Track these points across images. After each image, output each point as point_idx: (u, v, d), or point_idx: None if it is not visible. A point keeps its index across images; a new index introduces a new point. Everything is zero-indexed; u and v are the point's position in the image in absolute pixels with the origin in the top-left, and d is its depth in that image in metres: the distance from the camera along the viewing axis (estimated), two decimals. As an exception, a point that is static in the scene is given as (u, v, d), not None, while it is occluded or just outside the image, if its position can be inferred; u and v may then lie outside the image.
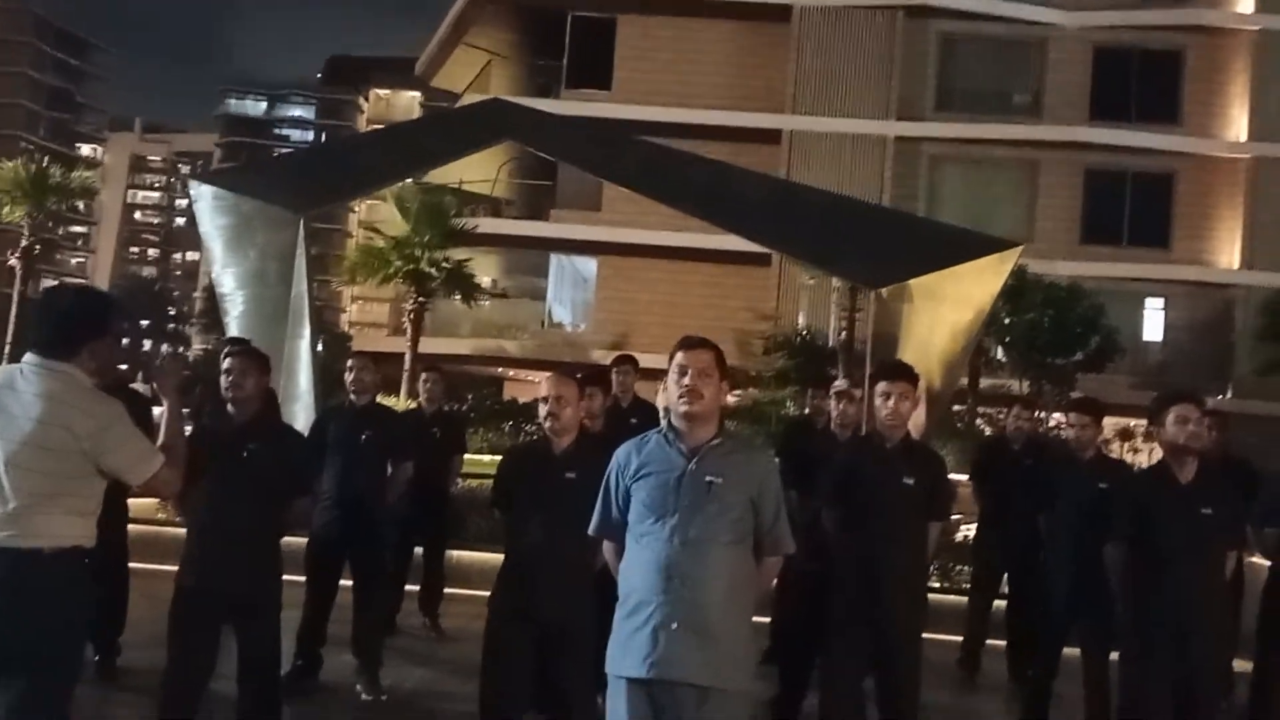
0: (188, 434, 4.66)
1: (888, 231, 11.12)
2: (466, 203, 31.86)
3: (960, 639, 7.56)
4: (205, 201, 11.78)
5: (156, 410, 8.95)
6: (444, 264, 21.48)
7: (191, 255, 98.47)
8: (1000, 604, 7.45)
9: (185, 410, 3.59)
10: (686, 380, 3.34)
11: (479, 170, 30.91)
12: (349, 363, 6.16)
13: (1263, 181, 27.45)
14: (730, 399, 26.42)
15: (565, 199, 31.17)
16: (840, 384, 5.83)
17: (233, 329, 11.86)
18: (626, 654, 3.30)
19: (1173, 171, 28.16)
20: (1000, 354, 25.63)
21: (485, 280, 37.03)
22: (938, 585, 9.49)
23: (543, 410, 4.55)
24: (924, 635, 8.28)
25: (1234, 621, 6.63)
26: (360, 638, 5.95)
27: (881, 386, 4.59)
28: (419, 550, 7.63)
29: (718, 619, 3.25)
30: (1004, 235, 12.62)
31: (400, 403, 16.92)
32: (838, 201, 11.75)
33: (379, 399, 7.00)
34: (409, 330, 21.43)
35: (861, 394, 6.29)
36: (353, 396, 6.13)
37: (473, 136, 12.71)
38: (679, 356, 3.40)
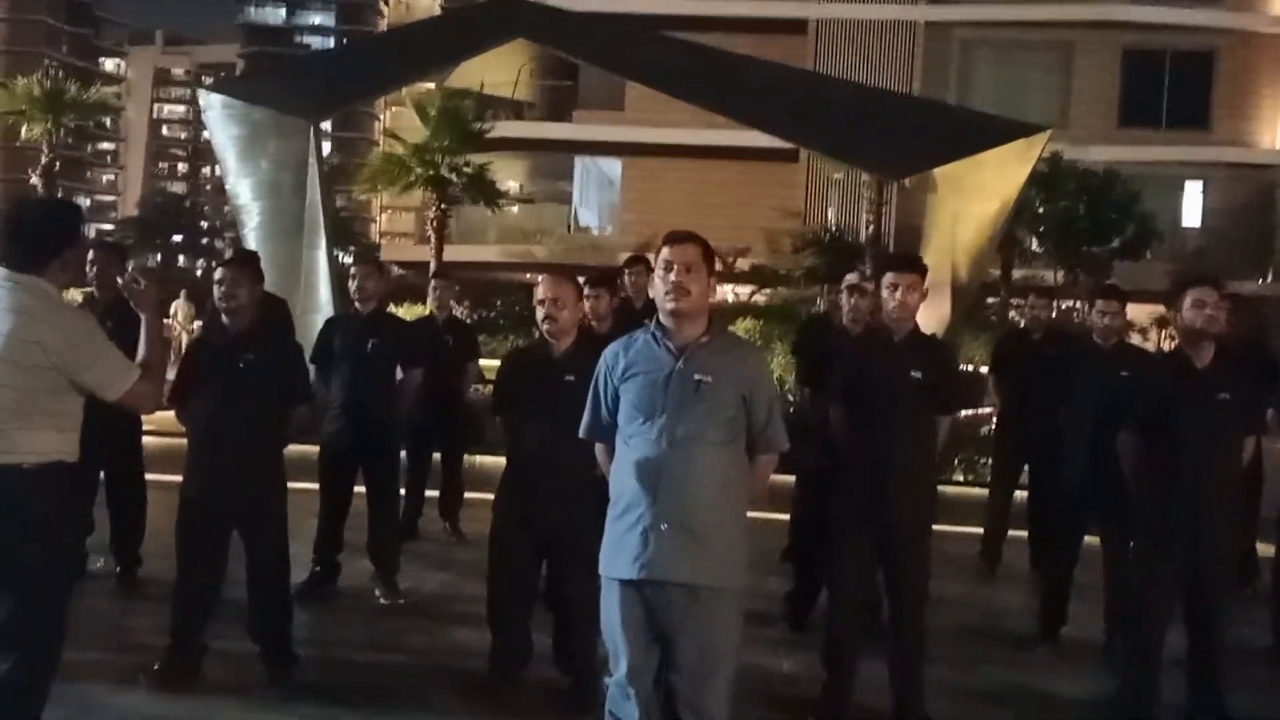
0: (186, 347, 4.65)
1: (910, 120, 10.82)
2: (488, 106, 31.45)
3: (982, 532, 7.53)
4: (215, 111, 11.68)
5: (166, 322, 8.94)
6: (465, 169, 21.20)
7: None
8: (1022, 495, 7.38)
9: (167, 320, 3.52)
10: (672, 276, 3.24)
11: (500, 73, 30.39)
12: (352, 270, 6.08)
13: (1308, 57, 26.49)
14: (760, 298, 26.36)
15: (588, 99, 30.67)
16: (851, 277, 5.68)
17: (250, 241, 11.83)
18: (618, 555, 3.26)
19: (1213, 49, 27.18)
20: (1035, 244, 25.18)
21: (511, 185, 36.78)
22: (961, 479, 9.49)
23: (540, 313, 4.48)
24: (946, 529, 8.42)
25: (1255, 507, 6.54)
26: (375, 544, 5.99)
27: (888, 278, 4.45)
28: (437, 457, 7.64)
29: (708, 519, 3.20)
30: (1038, 121, 12.21)
31: (427, 311, 16.89)
32: (860, 91, 11.46)
33: (401, 309, 6.98)
34: (432, 238, 21.30)
35: (874, 287, 6.14)
36: (358, 304, 6.07)
37: (486, 35, 12.44)
38: (664, 251, 3.28)
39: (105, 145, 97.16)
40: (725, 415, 3.24)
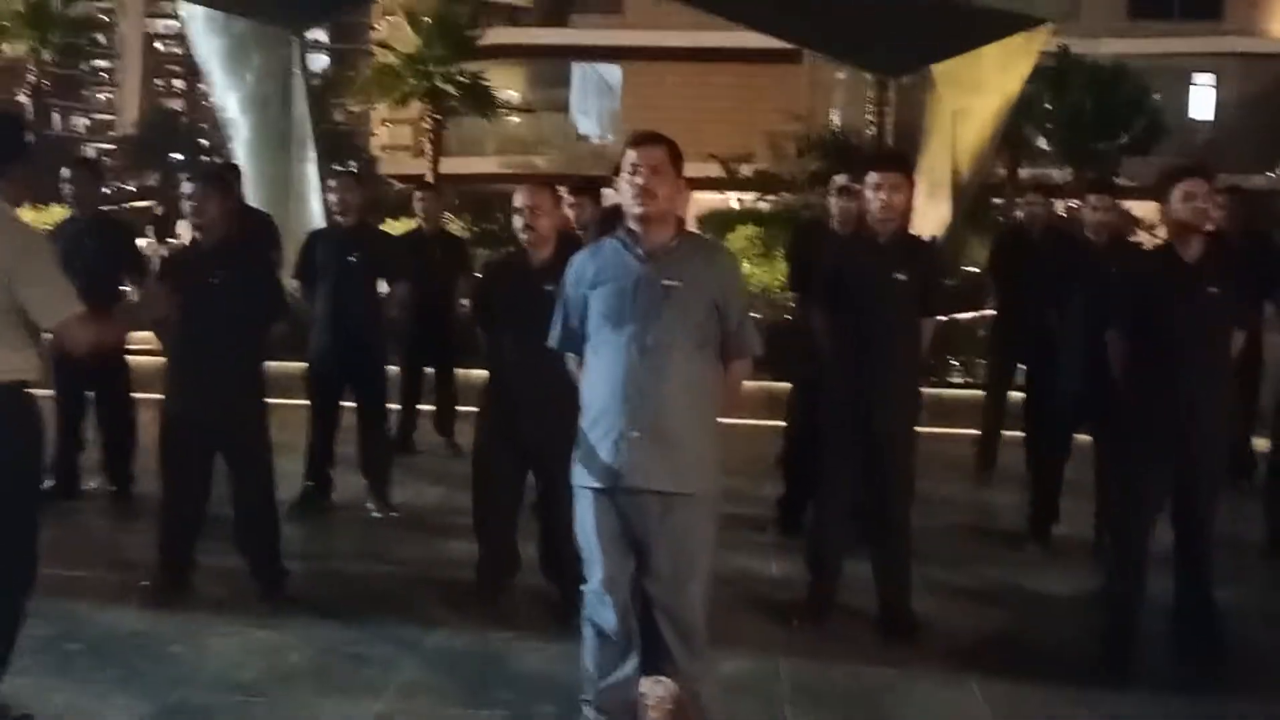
0: (160, 264, 4.58)
1: (907, 15, 10.50)
2: (483, 13, 30.81)
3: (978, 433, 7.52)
4: (197, 23, 11.43)
5: (141, 241, 8.90)
6: (460, 79, 20.83)
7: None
8: (1018, 397, 7.34)
9: None
10: (638, 179, 3.14)
11: (496, -23, 29.79)
12: (329, 182, 5.97)
13: (1324, -60, 25.69)
14: (763, 204, 26.06)
15: (585, 3, 30.02)
16: (840, 179, 5.55)
17: (239, 156, 11.67)
18: (590, 464, 3.23)
19: (1227, -65, 26.43)
20: (1043, 142, 24.76)
21: (513, 95, 36.19)
22: (960, 381, 9.44)
23: (518, 222, 4.41)
24: (944, 431, 8.42)
25: (1253, 401, 6.50)
26: (366, 457, 6.00)
27: (871, 178, 4.34)
28: (431, 371, 7.62)
29: (679, 425, 3.16)
30: (1048, 14, 11.82)
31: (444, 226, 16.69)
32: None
33: (399, 222, 6.89)
34: (428, 150, 21.02)
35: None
36: (338, 217, 5.98)
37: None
38: (629, 154, 3.19)
39: (99, 63, 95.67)
40: (695, 320, 3.17)
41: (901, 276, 4.33)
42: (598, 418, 3.22)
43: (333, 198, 5.92)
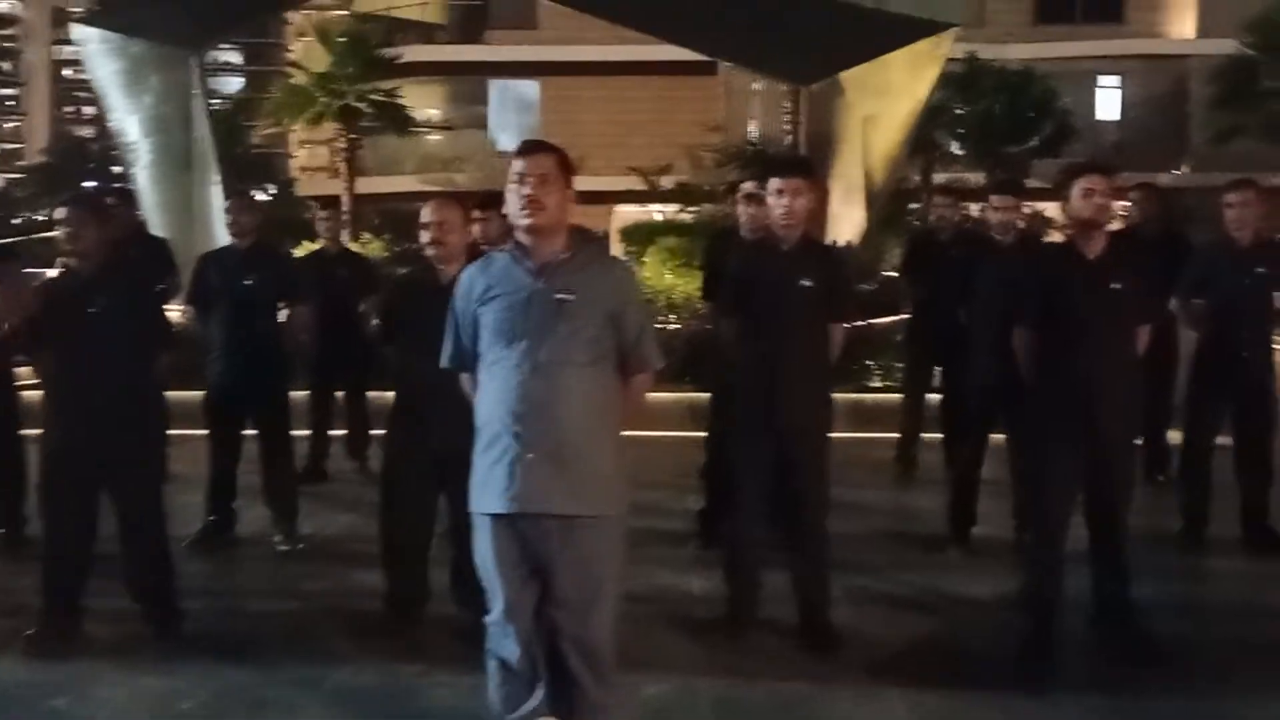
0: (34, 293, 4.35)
1: (815, 24, 10.56)
2: (396, 31, 30.44)
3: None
4: (93, 46, 11.10)
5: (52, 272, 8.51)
6: (373, 98, 20.50)
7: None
8: (936, 398, 7.34)
9: None
10: (525, 189, 3.02)
11: (407, -6, 29.47)
12: (225, 204, 5.76)
13: (1217, -57, 26.46)
14: (685, 216, 26.08)
15: (500, 19, 29.84)
16: (747, 185, 5.49)
17: (141, 180, 11.35)
18: (486, 490, 3.10)
19: (1124, -60, 27.16)
20: (955, 146, 25.16)
21: (432, 113, 35.81)
22: (879, 385, 9.46)
23: (424, 237, 4.29)
24: (867, 435, 8.41)
25: (1167, 394, 6.56)
26: (271, 488, 5.77)
27: (772, 184, 4.27)
28: (341, 394, 7.41)
29: (577, 445, 3.03)
30: (956, 21, 11.97)
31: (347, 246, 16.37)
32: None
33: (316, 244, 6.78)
34: (343, 170, 20.67)
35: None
36: (234, 239, 5.75)
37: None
38: (515, 163, 3.06)
39: (5, 91, 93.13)
40: (590, 334, 3.05)
41: (807, 283, 4.26)
42: (492, 440, 3.08)
43: (227, 219, 5.70)
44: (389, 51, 21.10)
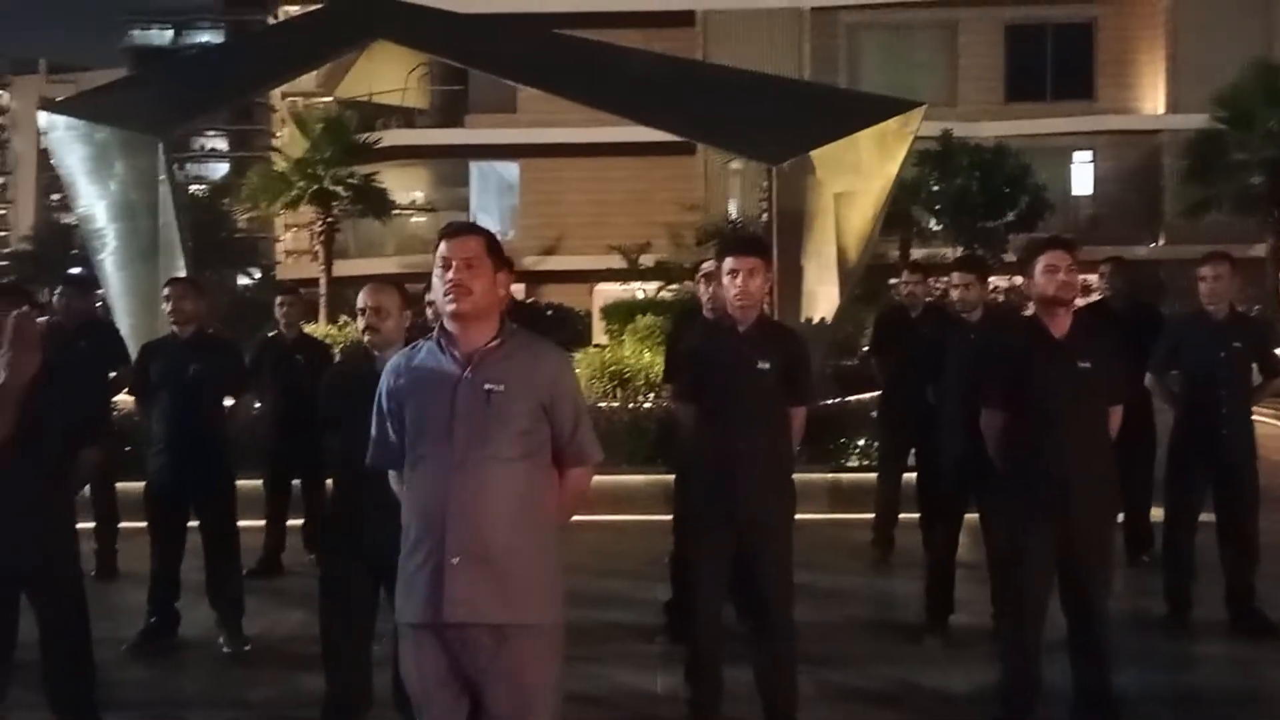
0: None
1: (784, 104, 10.57)
2: (378, 115, 30.69)
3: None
4: (59, 133, 10.99)
5: None
6: (350, 181, 20.55)
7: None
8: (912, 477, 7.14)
9: None
10: (450, 274, 2.85)
11: (390, 80, 29.74)
12: (165, 291, 5.58)
13: (1183, 21, 26.96)
14: (666, 294, 26.07)
15: (479, 103, 30.12)
16: (706, 265, 5.36)
17: (107, 267, 11.17)
18: (409, 597, 2.87)
19: (1092, 19, 27.65)
20: (932, 222, 25.33)
21: (415, 195, 36.01)
22: (856, 464, 9.23)
23: (361, 323, 4.12)
24: (845, 517, 8.18)
25: (1146, 473, 6.37)
26: (215, 587, 5.51)
27: (727, 264, 4.12)
28: (298, 483, 7.17)
29: (507, 547, 2.81)
30: (926, 100, 12.01)
31: (320, 329, 16.24)
32: (737, 77, 11.15)
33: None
34: (320, 253, 20.61)
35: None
36: (174, 328, 5.56)
37: (342, 36, 11.91)
38: (440, 246, 2.90)
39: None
40: (520, 427, 2.85)
41: (764, 365, 4.09)
42: (416, 543, 2.87)
43: (167, 306, 5.52)
44: (368, 136, 21.15)
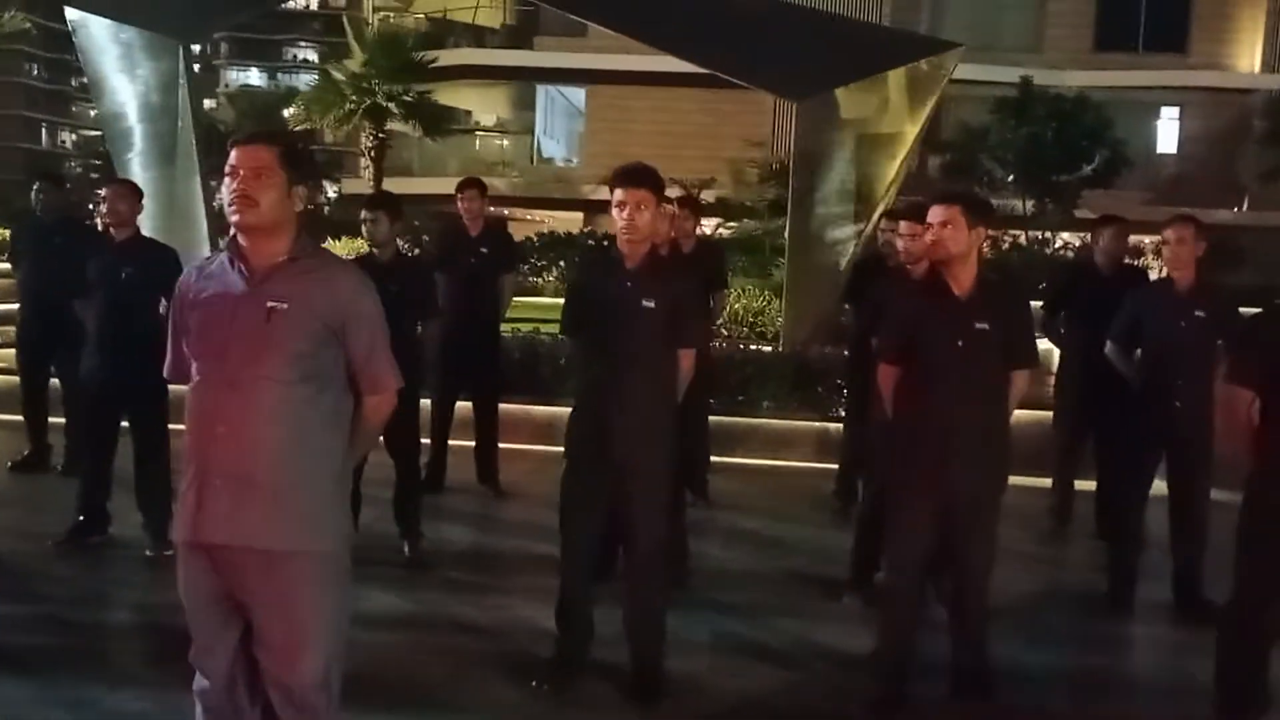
0: None
1: (814, 37, 10.16)
2: (449, 33, 30.53)
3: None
4: (85, 30, 11.03)
5: None
6: (404, 98, 20.46)
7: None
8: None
9: None
10: (235, 183, 2.73)
11: (460, -2, 29.56)
12: (102, 191, 5.56)
13: (1289, -24, 25.51)
14: (724, 231, 25.71)
15: (550, 26, 29.76)
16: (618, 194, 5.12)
17: (133, 168, 11.28)
18: (179, 515, 2.81)
19: (1191, -31, 26.29)
20: (1007, 174, 24.47)
21: (482, 117, 35.88)
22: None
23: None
24: (820, 466, 7.99)
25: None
26: (142, 490, 5.55)
27: (616, 195, 3.92)
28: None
29: (275, 471, 2.71)
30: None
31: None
32: (765, 7, 10.69)
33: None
34: (370, 169, 20.66)
35: (673, 208, 5.63)
36: (111, 229, 5.54)
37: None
38: (230, 155, 2.77)
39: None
40: (299, 349, 2.73)
41: (649, 304, 3.92)
42: (188, 461, 2.79)
43: (103, 208, 5.49)
44: (424, 54, 21.00)
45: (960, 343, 3.77)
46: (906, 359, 3.92)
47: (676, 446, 4.10)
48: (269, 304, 2.74)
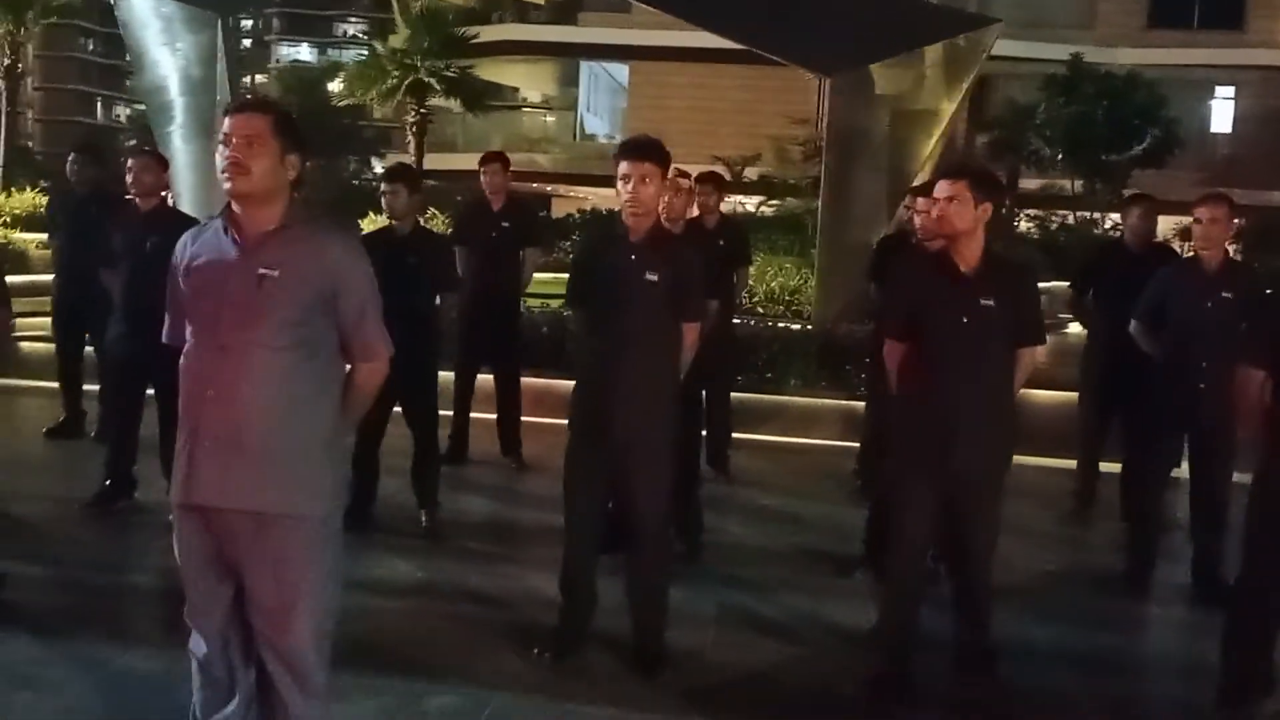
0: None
1: (849, 11, 10.05)
2: (495, 8, 30.57)
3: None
4: (127, 4, 11.21)
5: None
6: (446, 73, 20.53)
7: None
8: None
9: None
10: (229, 150, 2.77)
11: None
12: (128, 162, 5.64)
13: (1353, -51, 24.81)
14: (767, 209, 25.51)
15: (594, 2, 29.73)
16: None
17: (174, 140, 11.46)
18: (174, 478, 2.87)
19: (1250, -56, 25.66)
20: (1056, 152, 24.10)
21: (527, 93, 35.91)
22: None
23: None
24: (846, 445, 7.95)
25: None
26: (166, 454, 5.63)
27: (621, 168, 3.92)
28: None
29: (265, 435, 2.76)
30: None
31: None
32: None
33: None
34: (411, 143, 20.77)
35: (689, 183, 5.60)
36: (137, 200, 5.64)
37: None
38: (224, 122, 2.81)
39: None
40: (291, 316, 2.77)
41: (652, 278, 3.92)
42: (181, 423, 2.85)
43: (129, 178, 5.58)
44: (466, 30, 21.04)
45: (965, 319, 3.74)
46: (912, 335, 3.89)
47: (679, 420, 4.10)
48: (260, 271, 2.78)
